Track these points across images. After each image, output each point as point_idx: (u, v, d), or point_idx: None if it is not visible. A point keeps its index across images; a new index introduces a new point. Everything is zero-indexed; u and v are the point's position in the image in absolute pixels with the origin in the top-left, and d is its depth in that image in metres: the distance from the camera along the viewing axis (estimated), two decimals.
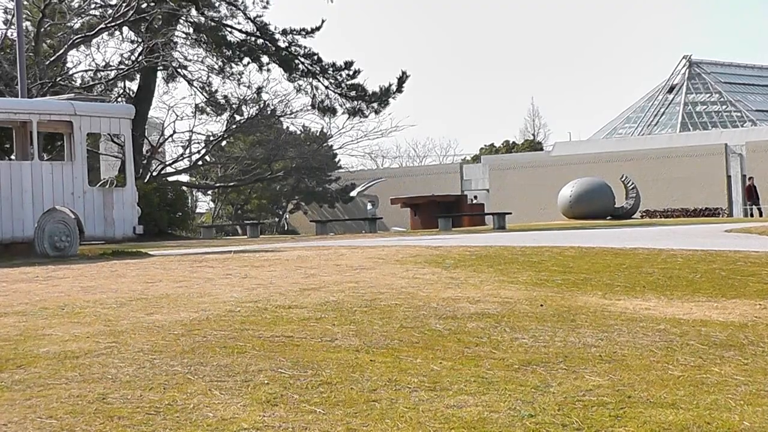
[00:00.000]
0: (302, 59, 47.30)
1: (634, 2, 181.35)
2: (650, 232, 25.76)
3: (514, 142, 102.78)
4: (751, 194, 51.75)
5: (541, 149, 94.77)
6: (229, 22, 47.14)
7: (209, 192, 71.71)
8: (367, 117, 48.81)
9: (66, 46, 39.96)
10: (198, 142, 53.51)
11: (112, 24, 41.81)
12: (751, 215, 51.59)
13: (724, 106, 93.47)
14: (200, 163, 56.92)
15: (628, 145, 78.44)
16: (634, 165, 67.94)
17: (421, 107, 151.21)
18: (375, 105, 47.81)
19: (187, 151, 53.73)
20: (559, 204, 41.02)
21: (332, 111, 48.88)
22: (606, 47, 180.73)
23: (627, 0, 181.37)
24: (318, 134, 61.82)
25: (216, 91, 49.92)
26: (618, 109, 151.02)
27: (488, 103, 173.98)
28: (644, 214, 51.49)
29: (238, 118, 51.83)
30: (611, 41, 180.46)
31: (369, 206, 52.44)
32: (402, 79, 47.61)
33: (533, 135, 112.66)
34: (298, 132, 62.86)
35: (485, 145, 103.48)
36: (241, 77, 49.19)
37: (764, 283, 13.62)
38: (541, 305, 11.12)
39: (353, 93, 47.74)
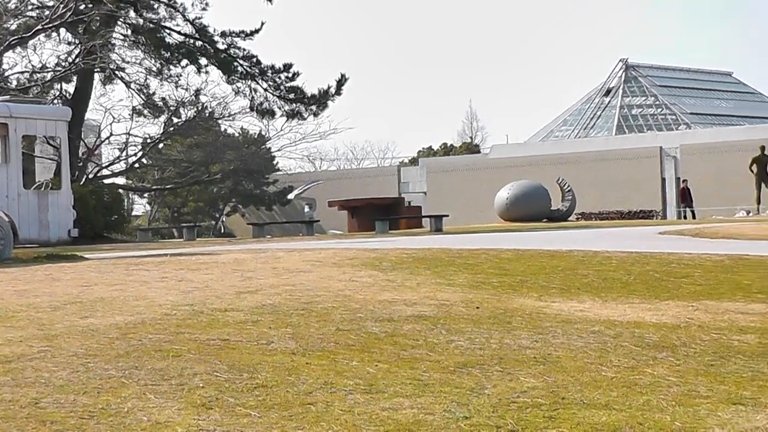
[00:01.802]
0: (241, 61, 47.14)
1: (571, 5, 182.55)
2: (586, 235, 25.93)
3: (451, 145, 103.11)
4: (685, 197, 52.24)
5: (479, 152, 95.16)
6: (167, 24, 46.87)
7: (146, 195, 71.26)
8: (305, 119, 48.71)
9: (2, 47, 39.55)
10: (135, 145, 53.15)
11: (49, 25, 41.44)
12: (685, 217, 52.08)
13: (659, 109, 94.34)
14: (137, 165, 56.57)
15: (565, 148, 78.92)
16: (571, 168, 68.37)
17: (360, 110, 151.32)
18: (314, 107, 47.72)
19: (124, 153, 53.36)
20: (495, 206, 41.17)
21: (271, 113, 48.72)
22: (543, 50, 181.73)
23: (564, 3, 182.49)
24: (256, 137, 61.65)
25: (154, 93, 49.60)
26: (555, 112, 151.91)
27: (426, 105, 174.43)
28: (580, 216, 51.83)
29: (175, 120, 51.55)
30: (548, 44, 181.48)
31: (306, 209, 52.46)
32: (341, 82, 47.58)
33: (471, 138, 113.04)
34: (237, 134, 62.68)
35: (423, 148, 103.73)
36: (180, 79, 48.91)
37: (697, 285, 13.78)
38: (477, 307, 11.17)
39: (292, 95, 47.62)
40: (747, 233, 24.31)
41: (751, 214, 42.19)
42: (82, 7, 41.71)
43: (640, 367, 8.11)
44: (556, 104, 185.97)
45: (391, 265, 15.58)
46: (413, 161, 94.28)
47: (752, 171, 42.44)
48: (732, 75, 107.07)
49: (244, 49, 47.39)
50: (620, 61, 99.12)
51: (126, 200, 61.13)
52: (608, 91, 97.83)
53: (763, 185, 42.05)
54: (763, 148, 43.28)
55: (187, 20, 46.79)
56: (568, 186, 42.54)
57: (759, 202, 42.46)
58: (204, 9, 46.82)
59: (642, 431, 6.15)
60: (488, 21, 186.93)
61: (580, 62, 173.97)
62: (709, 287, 13.61)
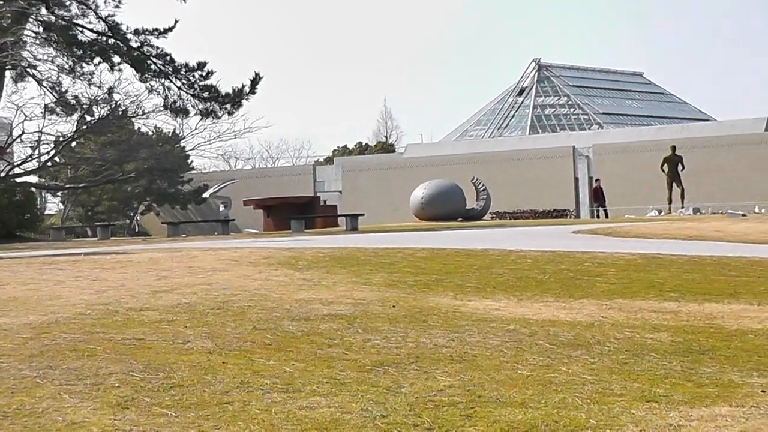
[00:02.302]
0: (155, 59, 46.74)
1: (485, 5, 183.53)
2: (500, 234, 26.10)
3: (366, 144, 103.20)
4: (597, 196, 52.76)
5: (394, 151, 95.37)
6: (80, 22, 46.34)
7: (59, 193, 70.46)
8: (220, 118, 48.42)
9: None
10: (47, 143, 52.48)
11: None
12: (598, 217, 52.60)
13: (572, 109, 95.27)
14: (50, 164, 55.86)
15: (479, 148, 79.38)
16: (485, 167, 68.75)
17: (275, 109, 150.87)
18: (228, 106, 47.46)
19: (37, 151, 52.67)
20: (411, 206, 41.30)
21: (185, 112, 48.36)
22: (457, 50, 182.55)
23: (478, 3, 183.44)
24: (170, 135, 61.18)
25: (66, 91, 49.00)
26: (469, 111, 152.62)
27: (341, 105, 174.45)
28: (494, 215, 52.14)
29: (88, 118, 50.98)
30: (462, 44, 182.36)
31: (222, 208, 52.18)
32: (255, 81, 47.38)
33: (386, 137, 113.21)
34: (151, 133, 62.13)
35: (338, 147, 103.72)
36: (92, 77, 48.37)
37: (611, 284, 13.92)
38: (394, 306, 11.20)
39: (206, 94, 47.31)
40: (659, 232, 24.62)
41: (662, 214, 42.71)
42: None
43: (555, 366, 8.18)
44: (471, 104, 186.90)
45: (307, 264, 15.57)
46: (329, 160, 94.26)
47: (663, 171, 42.97)
48: (643, 75, 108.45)
49: (158, 47, 47.00)
50: (533, 61, 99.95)
51: (39, 199, 60.37)
52: (521, 91, 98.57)
53: (674, 185, 42.59)
54: (674, 147, 43.84)
55: (100, 18, 46.31)
56: (483, 185, 42.79)
57: (670, 202, 43.00)
58: (117, 6, 46.36)
59: (557, 429, 6.20)
60: (402, 20, 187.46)
61: (494, 62, 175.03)
62: (623, 286, 13.76)
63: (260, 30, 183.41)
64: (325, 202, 56.01)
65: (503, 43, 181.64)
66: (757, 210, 45.96)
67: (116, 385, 7.04)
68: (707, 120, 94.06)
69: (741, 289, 13.66)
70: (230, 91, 47.69)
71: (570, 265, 15.69)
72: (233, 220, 43.59)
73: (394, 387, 7.19)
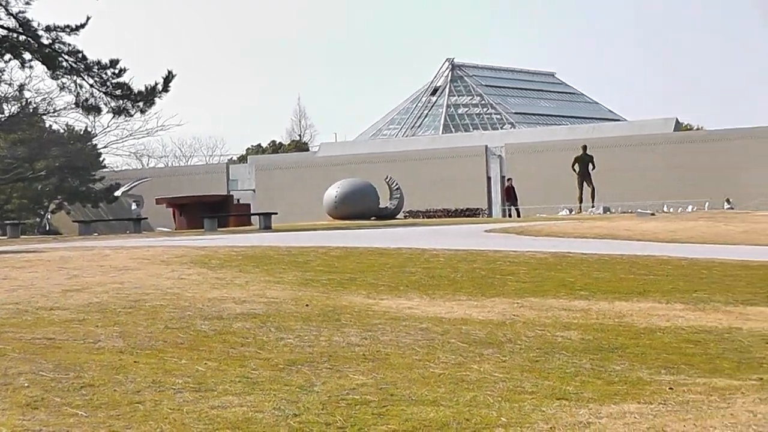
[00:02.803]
0: (66, 56, 46.18)
1: (399, 4, 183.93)
2: (414, 232, 26.19)
3: (280, 143, 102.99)
4: (509, 195, 53.09)
5: (308, 150, 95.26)
6: None
7: None
8: (132, 116, 47.99)
9: None
10: None
11: None
12: (510, 216, 52.94)
13: (485, 109, 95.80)
14: None
15: (393, 147, 79.56)
16: (399, 166, 68.92)
17: (189, 107, 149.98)
18: (141, 104, 47.01)
19: None
20: (324, 204, 41.26)
21: (97, 110, 47.83)
22: (371, 49, 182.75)
23: (393, 2, 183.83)
24: (82, 133, 60.63)
25: None
26: (383, 110, 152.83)
27: (255, 103, 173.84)
28: (408, 214, 52.27)
29: None
30: (376, 43, 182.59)
31: (134, 206, 51.63)
32: (168, 79, 47.00)
33: (299, 136, 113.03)
34: (62, 131, 61.54)
35: (252, 146, 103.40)
36: (3, 74, 47.73)
37: (522, 282, 14.03)
38: (307, 305, 11.20)
39: (119, 92, 46.83)
40: (570, 231, 24.86)
41: (573, 213, 43.12)
42: None
43: (467, 364, 8.24)
44: (385, 103, 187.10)
45: (220, 263, 15.50)
46: (242, 159, 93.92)
47: (575, 170, 43.36)
48: (555, 75, 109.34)
49: (70, 45, 46.45)
50: (447, 60, 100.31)
51: None
52: (435, 91, 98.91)
53: (585, 184, 43.00)
54: (585, 147, 44.26)
55: (10, 14, 45.66)
56: (396, 184, 42.88)
57: (581, 201, 43.41)
58: (28, 3, 45.75)
59: (469, 427, 6.24)
60: (316, 18, 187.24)
61: (408, 61, 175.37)
62: (534, 284, 13.88)
63: (174, 28, 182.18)
64: (238, 200, 55.75)
65: (417, 42, 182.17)
66: (665, 209, 46.59)
67: (26, 385, 6.97)
68: (618, 120, 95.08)
69: (650, 287, 13.85)
70: (143, 89, 47.28)
71: (482, 264, 15.79)
72: (145, 218, 43.21)
73: (307, 386, 7.20)
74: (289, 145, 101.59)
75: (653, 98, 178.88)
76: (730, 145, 67.94)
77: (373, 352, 8.53)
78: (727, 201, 62.96)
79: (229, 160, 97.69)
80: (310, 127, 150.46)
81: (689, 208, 48.32)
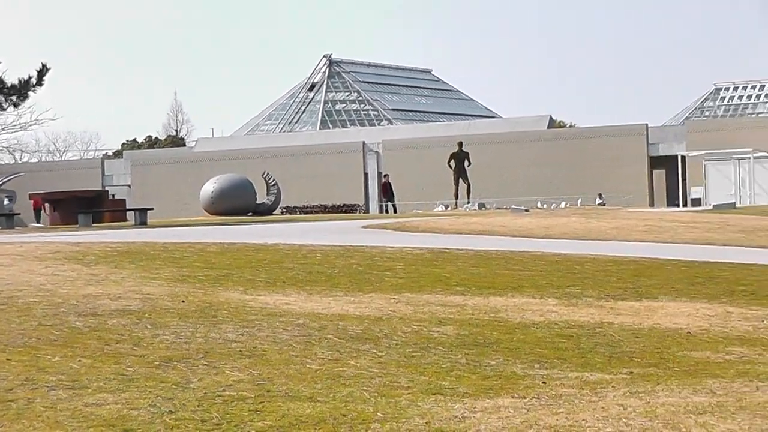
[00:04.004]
0: None
1: None
2: (291, 228, 26.16)
3: (156, 138, 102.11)
4: (386, 191, 53.35)
5: (184, 145, 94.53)
6: None
7: None
8: (5, 110, 47.08)
9: None
10: None
11: None
12: (387, 212, 53.17)
13: (362, 105, 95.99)
14: None
15: (270, 142, 79.38)
16: (276, 162, 68.81)
17: (64, 101, 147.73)
18: (14, 98, 46.19)
19: None
20: (201, 200, 40.98)
21: None
22: (249, 43, 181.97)
23: None
24: None
25: None
26: (261, 106, 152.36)
27: (131, 97, 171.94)
28: (285, 210, 52.19)
29: None
30: (254, 37, 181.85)
31: (6, 201, 50.74)
32: (42, 72, 46.26)
33: (176, 131, 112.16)
34: None
35: (128, 141, 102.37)
36: None
37: (399, 278, 14.11)
38: (183, 301, 11.12)
39: None
40: (446, 227, 25.04)
41: (449, 209, 43.44)
42: None
43: (344, 359, 8.27)
44: (262, 98, 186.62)
45: (95, 258, 15.31)
46: (117, 154, 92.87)
47: (450, 166, 43.69)
48: (431, 72, 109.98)
49: None
50: (324, 56, 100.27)
51: None
52: (312, 86, 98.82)
53: (460, 180, 43.34)
54: (460, 144, 44.62)
55: None
56: (273, 180, 42.79)
57: (457, 197, 43.75)
58: None
59: (345, 422, 6.27)
60: (193, 13, 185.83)
61: (285, 57, 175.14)
62: (411, 280, 13.96)
63: (48, 21, 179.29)
64: (113, 196, 55.17)
65: (295, 37, 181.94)
66: (539, 205, 47.17)
67: None
68: (493, 117, 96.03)
69: (524, 282, 14.03)
70: (16, 82, 46.49)
71: (359, 260, 15.83)
72: (18, 214, 42.45)
73: (183, 382, 7.16)
74: (165, 140, 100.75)
75: (528, 96, 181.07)
76: (602, 142, 69.12)
77: (249, 348, 8.52)
78: (599, 196, 64.08)
79: (104, 155, 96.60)
80: (187, 122, 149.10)
81: (562, 205, 49.03)
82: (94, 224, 33.10)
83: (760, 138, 65.84)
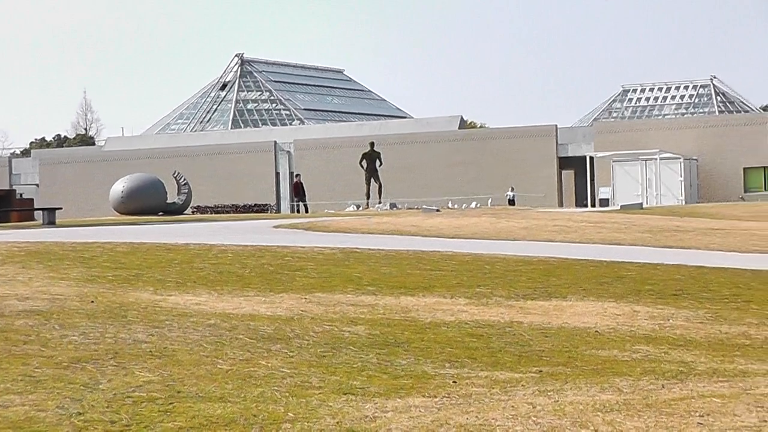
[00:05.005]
0: None
1: None
2: (202, 228, 26.02)
3: (65, 137, 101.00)
4: (298, 191, 53.27)
5: (94, 144, 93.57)
6: None
7: None
8: None
9: None
10: None
11: None
12: (298, 211, 53.11)
13: (274, 104, 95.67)
14: None
15: (181, 142, 78.90)
16: (187, 161, 68.41)
17: None
18: None
19: None
20: (111, 199, 40.63)
21: None
22: (160, 42, 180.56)
23: None
24: None
25: None
26: (172, 105, 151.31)
27: (39, 96, 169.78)
28: (196, 209, 51.92)
29: None
30: (166, 36, 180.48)
31: None
32: None
33: (85, 129, 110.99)
34: None
35: (36, 139, 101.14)
36: None
37: (311, 278, 14.11)
38: (92, 301, 11.02)
39: None
40: (357, 227, 25.08)
41: (361, 209, 43.50)
42: None
43: (255, 360, 8.25)
44: (173, 97, 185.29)
45: (1, 259, 15.12)
46: (25, 153, 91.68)
47: (362, 166, 43.77)
48: (343, 72, 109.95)
49: None
50: (236, 55, 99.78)
51: None
52: (224, 86, 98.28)
53: (372, 180, 43.42)
54: (372, 144, 44.72)
55: None
56: (184, 179, 42.55)
57: (368, 197, 43.84)
58: None
59: (256, 423, 6.26)
60: (103, 9, 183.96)
61: (196, 55, 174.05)
62: (322, 280, 13.96)
63: None
64: (21, 195, 54.49)
65: (206, 36, 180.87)
66: (450, 205, 47.43)
67: None
68: (405, 117, 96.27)
69: (435, 282, 14.10)
70: None
71: (270, 260, 15.80)
72: None
73: (92, 383, 7.10)
74: (74, 138, 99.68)
75: (439, 96, 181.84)
76: (512, 142, 69.65)
77: (160, 349, 8.47)
78: (511, 189, 64.60)
79: (11, 153, 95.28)
80: (97, 121, 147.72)
81: (473, 205, 49.35)
82: (1, 224, 32.68)
83: (667, 139, 66.80)
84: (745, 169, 66.29)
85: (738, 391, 7.18)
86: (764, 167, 66.05)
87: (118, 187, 40.32)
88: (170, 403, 6.62)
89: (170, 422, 6.19)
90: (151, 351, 8.37)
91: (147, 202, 39.71)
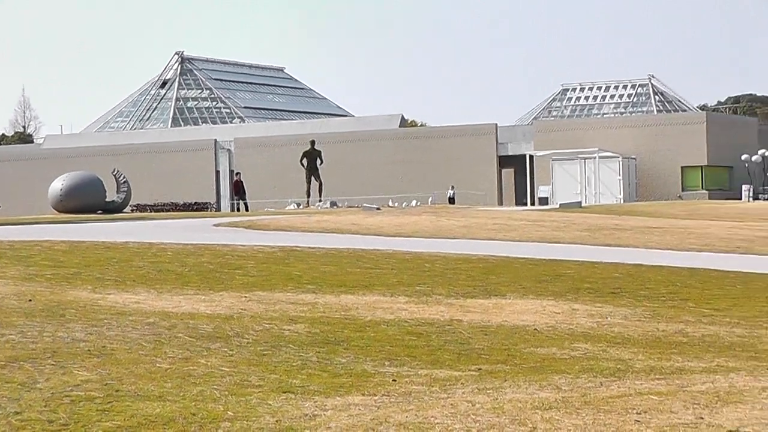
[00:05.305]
0: None
1: None
2: (141, 226, 25.88)
3: (3, 135, 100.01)
4: (238, 189, 53.06)
5: (32, 142, 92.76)
6: None
7: None
8: None
9: None
10: None
11: None
12: (238, 210, 52.91)
13: (214, 103, 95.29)
14: None
15: (121, 139, 78.41)
16: (127, 159, 68.00)
17: None
18: None
19: None
20: (49, 198, 40.30)
21: None
22: (100, 39, 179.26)
23: None
24: None
25: None
26: (111, 103, 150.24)
27: None
28: (135, 207, 51.62)
29: None
30: (105, 33, 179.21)
31: None
32: None
33: (24, 127, 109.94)
34: None
35: None
36: None
37: (250, 276, 14.08)
38: (30, 300, 10.94)
39: None
40: (298, 225, 25.04)
41: (301, 207, 43.43)
42: None
43: (195, 358, 8.23)
44: (113, 95, 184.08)
45: None
46: None
47: (303, 165, 43.68)
48: (284, 71, 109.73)
49: None
50: (176, 53, 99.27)
51: None
52: (164, 84, 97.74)
53: (312, 178, 43.36)
54: (313, 142, 44.65)
55: None
56: (124, 177, 42.29)
57: (309, 195, 43.76)
58: None
59: (195, 422, 6.24)
60: (42, 6, 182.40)
61: (136, 53, 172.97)
62: (262, 278, 13.94)
63: None
64: None
65: (146, 34, 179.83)
66: (391, 204, 47.48)
67: None
68: (345, 116, 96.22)
69: (375, 281, 14.12)
70: None
71: (210, 258, 15.75)
72: None
73: (30, 383, 7.05)
74: (12, 136, 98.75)
75: (380, 95, 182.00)
76: (452, 141, 69.85)
77: (98, 348, 8.42)
78: (451, 187, 64.79)
79: None
80: (35, 118, 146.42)
81: (414, 203, 49.43)
82: None
83: (606, 138, 67.23)
84: (682, 167, 66.87)
85: (675, 389, 7.25)
86: (701, 166, 66.68)
87: (57, 186, 40.00)
88: (109, 402, 6.59)
89: (109, 421, 6.16)
90: (89, 350, 8.32)
91: (86, 201, 39.41)
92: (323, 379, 7.72)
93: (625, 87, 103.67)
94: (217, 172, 72.99)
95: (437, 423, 6.16)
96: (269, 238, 20.20)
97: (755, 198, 60.85)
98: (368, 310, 11.52)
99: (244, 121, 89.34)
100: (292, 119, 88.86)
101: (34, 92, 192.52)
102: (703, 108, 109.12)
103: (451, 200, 62.95)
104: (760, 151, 66.71)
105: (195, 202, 59.18)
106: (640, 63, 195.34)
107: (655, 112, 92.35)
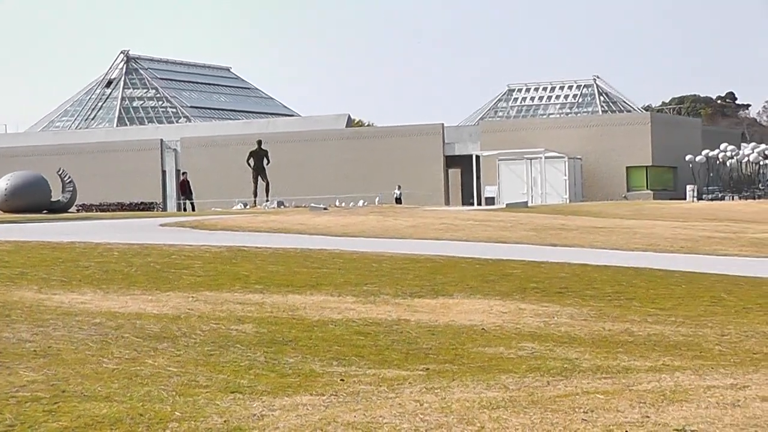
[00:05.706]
0: None
1: None
2: (87, 226, 25.72)
3: None
4: (184, 189, 52.87)
5: None
6: None
7: None
8: None
9: None
10: None
11: None
12: (185, 209, 52.72)
13: (160, 102, 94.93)
14: None
15: (66, 139, 77.91)
16: (72, 159, 67.52)
17: None
18: None
19: None
20: None
21: None
22: (44, 37, 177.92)
23: None
24: None
25: None
26: (56, 102, 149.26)
27: None
28: (81, 207, 51.28)
29: None
30: (49, 32, 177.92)
31: None
32: None
33: None
34: None
35: None
36: None
37: (197, 276, 14.03)
38: None
39: None
40: (244, 225, 25.00)
41: (248, 207, 43.36)
42: None
43: (141, 359, 8.20)
44: (58, 94, 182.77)
45: None
46: None
47: (249, 164, 43.65)
48: (230, 70, 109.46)
49: None
50: (122, 52, 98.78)
51: None
52: (110, 83, 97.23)
53: (259, 178, 43.32)
54: (260, 142, 44.63)
55: None
56: (69, 177, 41.98)
57: (256, 195, 43.72)
58: None
59: (143, 422, 6.22)
60: None
61: (81, 52, 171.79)
62: (209, 278, 13.90)
63: None
64: None
65: (91, 32, 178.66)
66: (338, 204, 47.50)
67: None
68: (292, 115, 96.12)
69: (323, 280, 14.11)
70: None
71: (157, 258, 15.69)
72: None
73: None
74: None
75: (326, 95, 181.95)
76: (399, 141, 69.97)
77: (44, 348, 8.36)
78: (398, 187, 64.88)
79: None
80: None
81: (361, 203, 49.48)
82: None
83: (551, 138, 67.58)
84: (627, 168, 67.30)
85: (621, 388, 7.31)
86: (646, 166, 67.15)
87: (1, 185, 39.62)
88: (55, 403, 6.55)
89: (55, 422, 6.13)
90: (35, 350, 8.27)
91: (30, 200, 39.08)
92: (271, 379, 7.72)
93: (570, 87, 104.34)
94: (164, 172, 72.71)
95: (385, 423, 6.18)
96: (216, 238, 20.15)
97: (699, 198, 61.37)
98: (316, 309, 11.52)
99: (190, 120, 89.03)
100: (239, 119, 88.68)
101: None
102: (647, 109, 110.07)
103: (398, 200, 63.02)
104: (704, 152, 67.33)
105: (141, 202, 58.89)
106: (585, 64, 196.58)
107: (600, 113, 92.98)
